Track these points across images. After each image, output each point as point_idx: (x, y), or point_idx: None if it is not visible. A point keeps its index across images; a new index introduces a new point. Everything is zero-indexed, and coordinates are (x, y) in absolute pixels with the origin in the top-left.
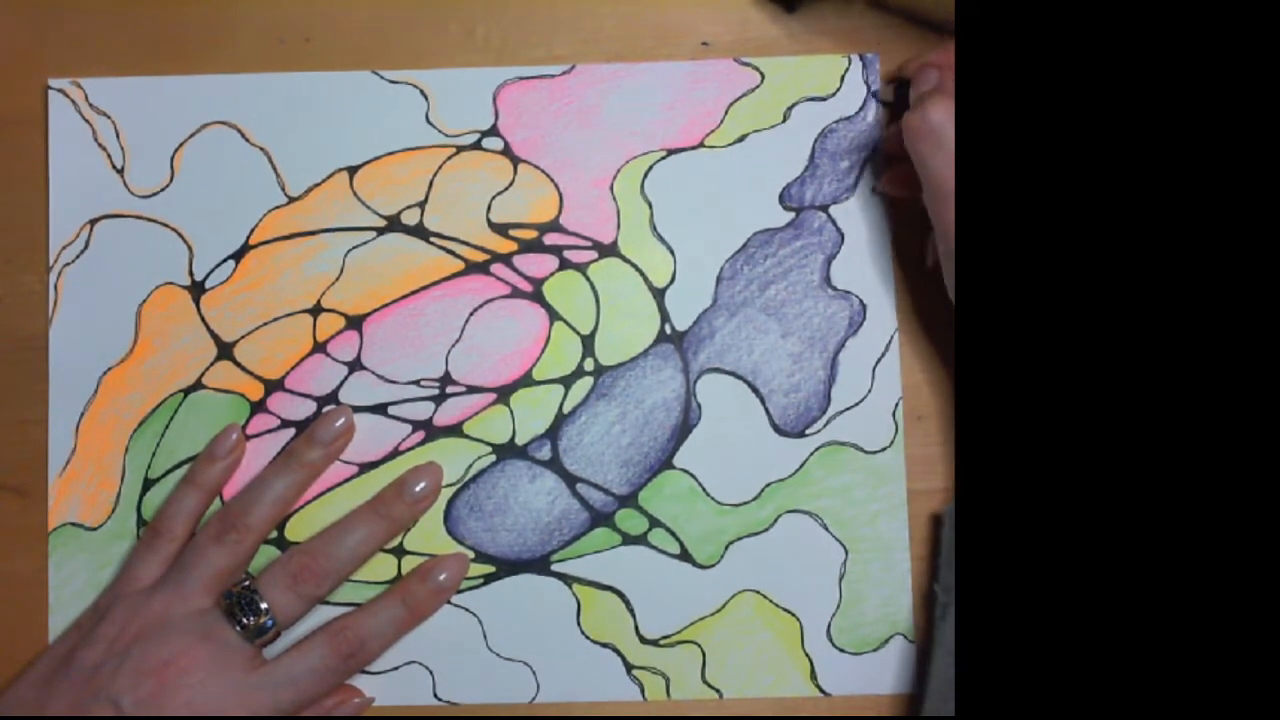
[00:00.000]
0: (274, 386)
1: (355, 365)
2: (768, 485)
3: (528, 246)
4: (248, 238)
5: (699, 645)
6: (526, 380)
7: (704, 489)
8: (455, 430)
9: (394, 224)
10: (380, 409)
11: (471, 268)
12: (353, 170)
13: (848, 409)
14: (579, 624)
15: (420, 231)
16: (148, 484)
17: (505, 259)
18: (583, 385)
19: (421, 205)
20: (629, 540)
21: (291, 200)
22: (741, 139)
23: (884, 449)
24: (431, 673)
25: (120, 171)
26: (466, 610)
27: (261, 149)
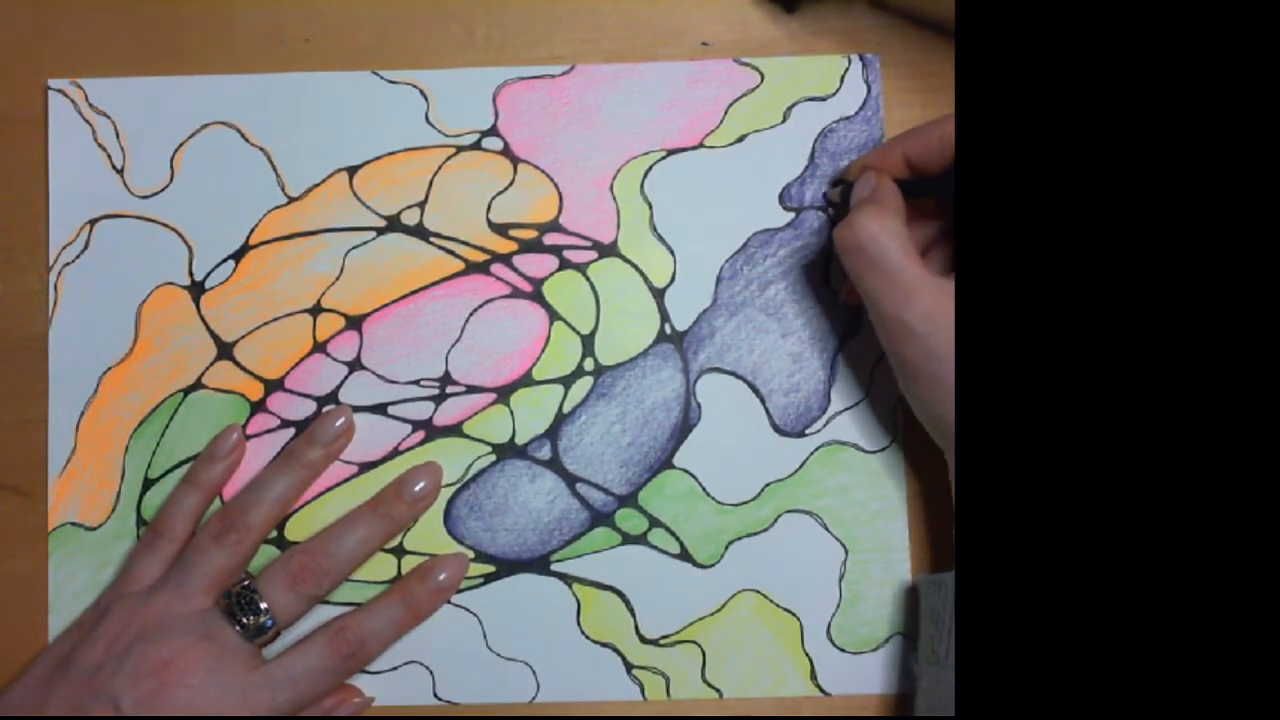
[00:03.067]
0: (274, 386)
1: (355, 365)
2: (768, 485)
3: (527, 246)
4: (248, 238)
5: (699, 645)
6: (526, 380)
7: (704, 489)
8: (455, 430)
9: (394, 224)
10: (380, 409)
11: (471, 268)
12: (352, 170)
13: (847, 409)
14: (579, 624)
15: (420, 231)
16: (148, 484)
17: (505, 259)
18: (583, 385)
19: (421, 205)
20: (629, 540)
21: (291, 200)
22: (741, 139)
23: (884, 449)
24: (431, 673)
25: (120, 171)
26: (466, 610)
27: (261, 149)
